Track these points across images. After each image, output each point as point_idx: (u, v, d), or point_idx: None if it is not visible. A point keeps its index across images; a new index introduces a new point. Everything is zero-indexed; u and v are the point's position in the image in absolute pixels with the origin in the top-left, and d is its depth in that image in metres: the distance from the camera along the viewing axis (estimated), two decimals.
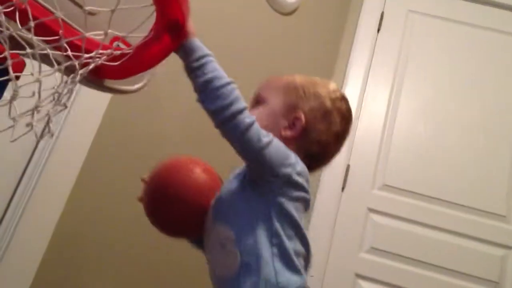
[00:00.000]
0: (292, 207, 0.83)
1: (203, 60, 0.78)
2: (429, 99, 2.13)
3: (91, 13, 0.67)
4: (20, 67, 0.75)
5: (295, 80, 0.96)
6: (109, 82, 0.83)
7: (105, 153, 1.56)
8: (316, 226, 1.93)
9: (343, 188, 2.01)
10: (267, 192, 0.82)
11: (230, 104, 0.76)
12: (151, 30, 0.68)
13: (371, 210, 1.97)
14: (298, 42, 2.04)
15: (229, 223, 0.84)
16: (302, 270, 0.82)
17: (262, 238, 0.80)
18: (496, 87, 2.14)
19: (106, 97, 1.54)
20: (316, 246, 1.91)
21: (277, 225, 0.81)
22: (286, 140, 0.88)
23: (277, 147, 0.82)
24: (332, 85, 0.98)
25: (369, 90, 2.16)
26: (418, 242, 1.91)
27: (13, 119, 0.58)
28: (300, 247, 0.84)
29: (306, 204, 0.87)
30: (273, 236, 0.80)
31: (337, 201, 1.99)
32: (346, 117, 0.96)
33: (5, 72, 0.73)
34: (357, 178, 2.02)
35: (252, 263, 0.79)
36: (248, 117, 0.78)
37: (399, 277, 1.87)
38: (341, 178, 2.01)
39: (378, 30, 2.26)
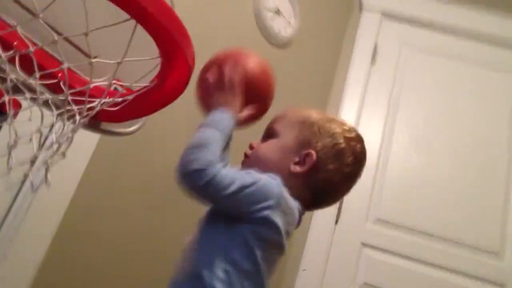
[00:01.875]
0: (257, 245, 0.78)
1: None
2: (422, 132, 2.14)
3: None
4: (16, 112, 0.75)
5: (311, 116, 0.94)
6: (105, 125, 0.82)
7: (96, 185, 1.54)
8: (309, 260, 1.91)
9: (336, 221, 1.99)
10: (238, 221, 0.79)
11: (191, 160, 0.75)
12: (153, 80, 0.68)
13: (365, 244, 1.96)
14: (292, 75, 2.05)
15: (201, 230, 0.82)
16: None
17: (217, 258, 0.77)
18: (488, 121, 2.15)
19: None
20: (309, 280, 1.90)
21: (236, 255, 0.77)
22: (294, 176, 0.87)
23: (250, 192, 0.77)
24: (349, 125, 0.96)
25: (362, 123, 2.16)
26: (411, 278, 1.89)
27: (10, 169, 0.57)
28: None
29: (279, 248, 0.83)
30: (228, 264, 0.76)
31: (331, 234, 1.97)
32: (359, 159, 0.93)
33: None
34: (350, 212, 2.00)
35: (202, 279, 0.75)
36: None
37: None
38: (335, 211, 2.00)
39: (372, 63, 2.28)
